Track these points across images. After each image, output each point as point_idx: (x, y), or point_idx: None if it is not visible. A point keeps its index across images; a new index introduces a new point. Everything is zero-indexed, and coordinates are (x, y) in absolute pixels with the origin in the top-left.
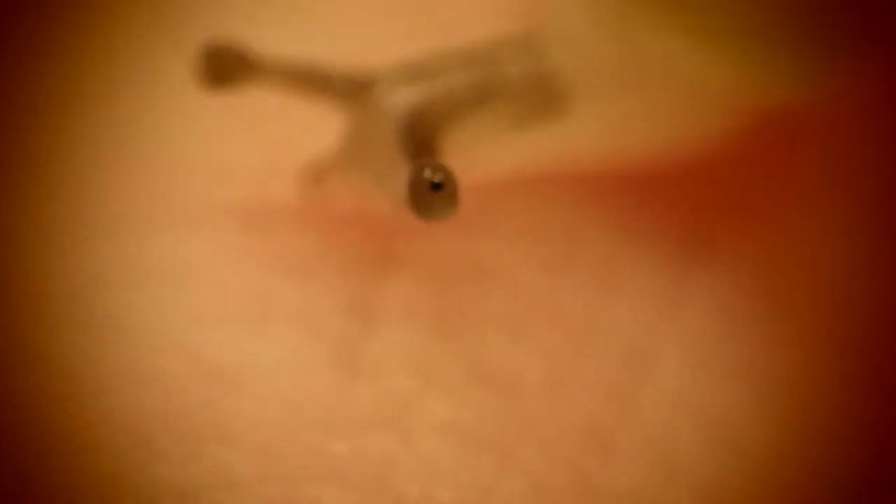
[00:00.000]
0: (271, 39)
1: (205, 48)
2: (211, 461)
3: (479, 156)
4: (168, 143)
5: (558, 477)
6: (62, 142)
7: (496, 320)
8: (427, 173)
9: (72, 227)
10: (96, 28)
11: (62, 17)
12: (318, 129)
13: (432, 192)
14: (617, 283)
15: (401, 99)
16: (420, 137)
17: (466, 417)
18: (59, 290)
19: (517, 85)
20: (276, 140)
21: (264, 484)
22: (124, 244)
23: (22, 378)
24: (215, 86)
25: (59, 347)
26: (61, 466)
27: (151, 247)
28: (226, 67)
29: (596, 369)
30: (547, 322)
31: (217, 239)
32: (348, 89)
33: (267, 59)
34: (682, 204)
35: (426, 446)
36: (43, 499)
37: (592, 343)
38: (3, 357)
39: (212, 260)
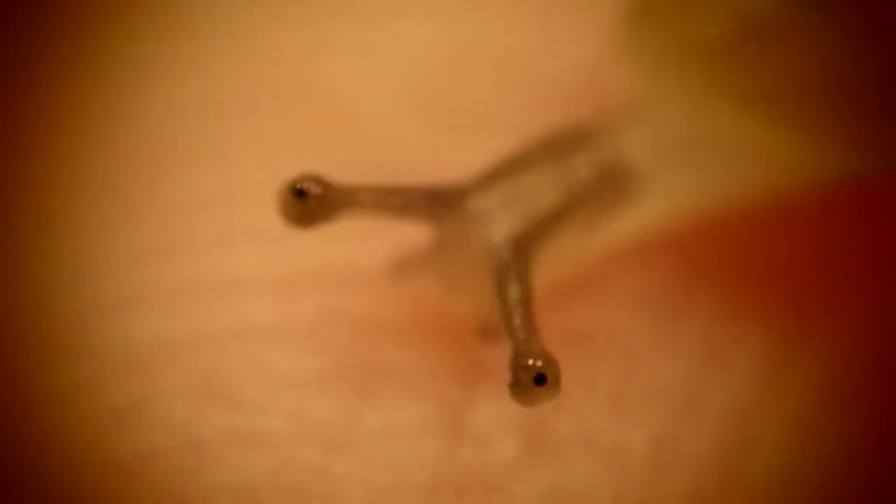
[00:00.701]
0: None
1: (288, 186)
2: None
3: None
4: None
5: None
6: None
7: (601, 389)
8: (530, 363)
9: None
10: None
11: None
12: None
13: (535, 385)
14: (720, 353)
15: (497, 228)
16: (512, 260)
17: (569, 484)
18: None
19: (591, 185)
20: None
21: None
22: (234, 302)
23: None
24: (302, 225)
25: (163, 408)
26: None
27: (251, 307)
28: (312, 204)
29: (699, 440)
30: (651, 392)
31: (313, 300)
32: (435, 202)
33: (350, 187)
34: (775, 271)
35: None
36: None
37: (696, 414)
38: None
39: (311, 320)
